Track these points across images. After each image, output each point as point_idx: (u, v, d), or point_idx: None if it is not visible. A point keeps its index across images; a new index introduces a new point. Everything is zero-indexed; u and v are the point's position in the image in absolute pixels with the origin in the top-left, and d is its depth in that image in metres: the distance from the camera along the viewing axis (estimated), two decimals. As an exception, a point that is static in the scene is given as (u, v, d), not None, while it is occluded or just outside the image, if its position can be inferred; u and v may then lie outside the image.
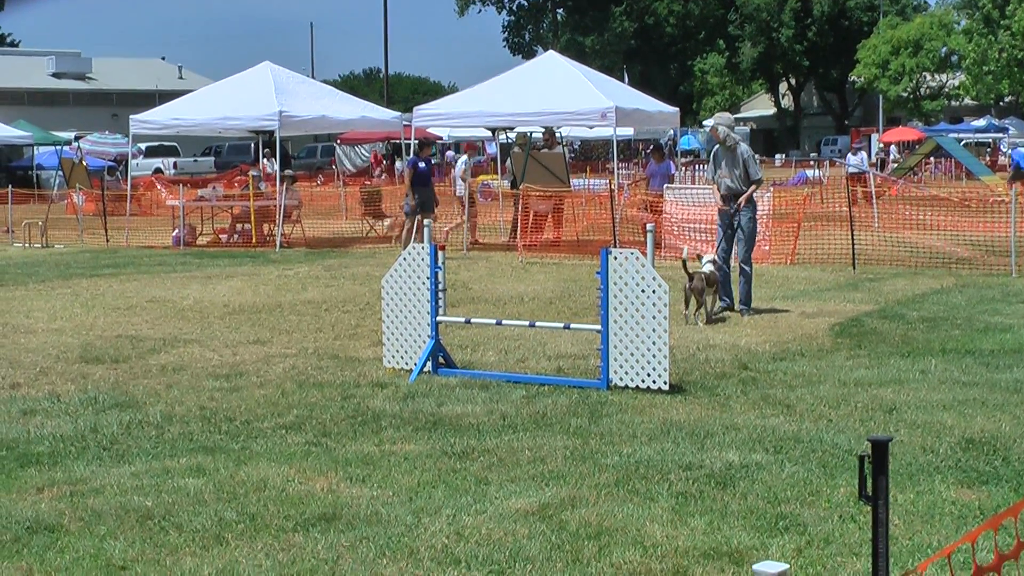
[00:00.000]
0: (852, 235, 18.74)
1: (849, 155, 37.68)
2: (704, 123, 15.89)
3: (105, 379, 10.73)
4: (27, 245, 26.39)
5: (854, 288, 16.23)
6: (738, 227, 14.20)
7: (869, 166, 37.51)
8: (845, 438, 8.13)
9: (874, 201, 25.58)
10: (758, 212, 15.16)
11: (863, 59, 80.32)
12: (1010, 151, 46.81)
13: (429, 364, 10.62)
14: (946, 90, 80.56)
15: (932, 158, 45.95)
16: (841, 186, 31.18)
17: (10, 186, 32.04)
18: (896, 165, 44.74)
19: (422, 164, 22.01)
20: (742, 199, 14.05)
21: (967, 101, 77.02)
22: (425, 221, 15.97)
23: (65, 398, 9.92)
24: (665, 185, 22.45)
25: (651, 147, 27.93)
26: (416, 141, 23.87)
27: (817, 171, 44.78)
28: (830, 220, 22.61)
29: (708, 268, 13.53)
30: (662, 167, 23.98)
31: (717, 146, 14.46)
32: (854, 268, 18.26)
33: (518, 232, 22.44)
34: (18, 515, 6.77)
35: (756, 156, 14.69)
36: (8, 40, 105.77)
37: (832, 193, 29.81)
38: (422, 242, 11.97)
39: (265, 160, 42.97)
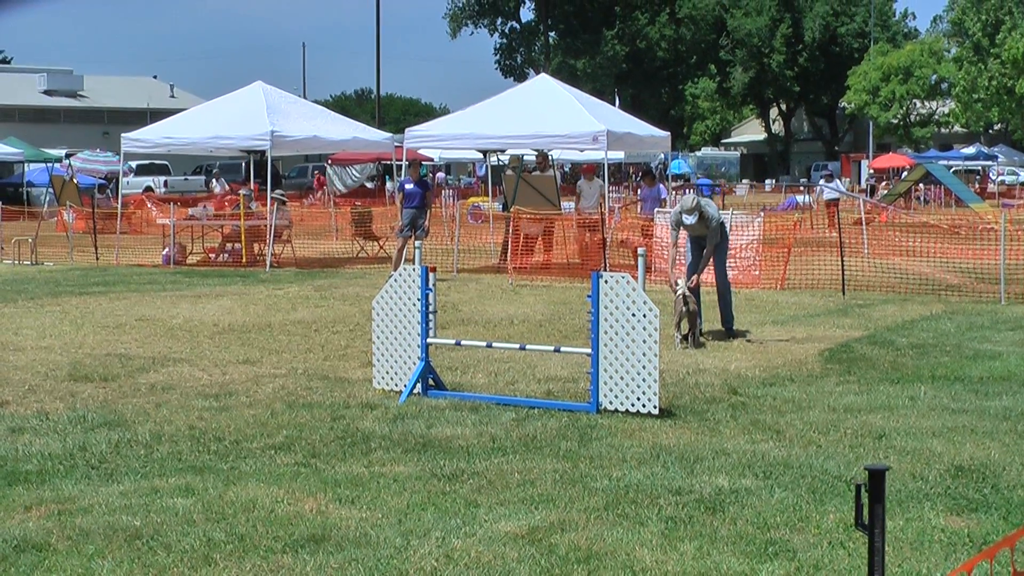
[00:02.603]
0: (842, 261, 18.77)
1: (822, 181, 38.27)
2: (685, 206, 16.00)
3: (94, 397, 10.70)
4: (17, 262, 26.33)
5: (844, 314, 16.26)
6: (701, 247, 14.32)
7: (859, 192, 37.88)
8: (835, 464, 8.13)
9: (864, 227, 25.64)
10: (750, 237, 15.13)
11: (853, 85, 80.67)
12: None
13: (419, 386, 10.61)
14: (936, 117, 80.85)
15: (921, 185, 46.09)
16: (831, 212, 31.38)
17: (0, 203, 31.98)
18: (886, 192, 44.93)
19: (409, 185, 21.97)
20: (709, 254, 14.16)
21: (957, 128, 77.34)
22: (416, 243, 15.95)
23: (54, 416, 9.89)
24: (656, 209, 22.50)
25: (641, 172, 27.94)
26: (406, 162, 23.86)
27: (807, 196, 44.92)
28: (820, 245, 22.66)
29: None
30: (653, 191, 24.06)
31: (682, 215, 14.14)
32: (844, 294, 18.29)
33: (508, 254, 22.45)
34: (5, 534, 6.74)
35: (722, 218, 14.67)
36: None
37: (822, 219, 29.91)
38: (412, 263, 11.96)
39: (215, 181, 42.89)
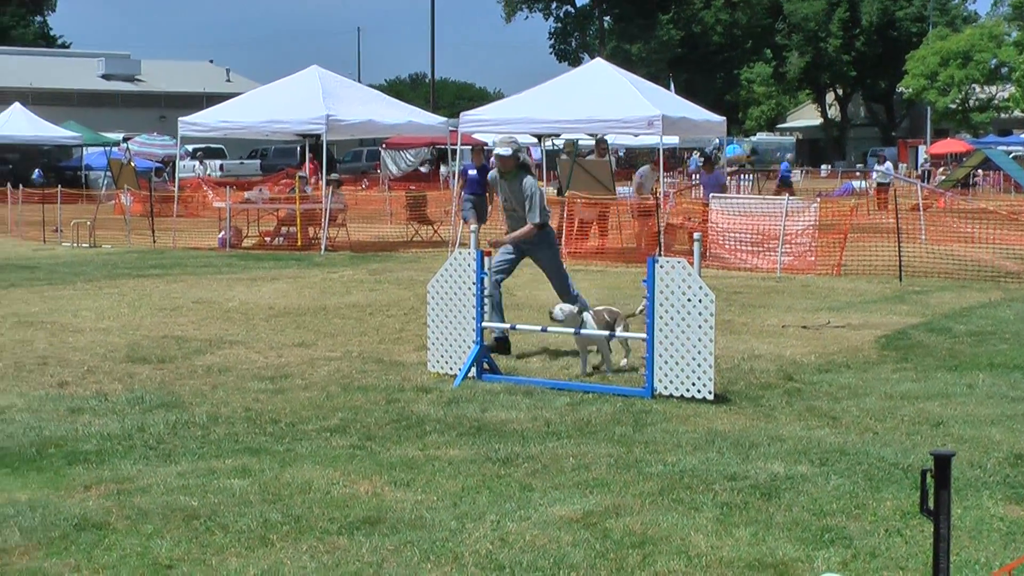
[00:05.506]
0: (899, 247, 18.61)
1: (876, 165, 38.26)
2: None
3: (151, 379, 10.80)
4: (75, 245, 26.63)
5: (900, 300, 16.12)
6: (540, 266, 12.40)
7: (916, 178, 37.72)
8: (891, 451, 8.07)
9: (921, 213, 25.42)
10: (805, 222, 14.90)
11: (911, 70, 79.76)
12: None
13: (473, 369, 10.63)
14: (995, 102, 79.82)
15: (980, 171, 45.60)
16: (888, 197, 31.11)
17: (59, 186, 32.31)
18: (944, 177, 44.57)
19: (472, 171, 21.99)
20: (509, 238, 12.21)
21: (1016, 113, 76.35)
22: (472, 227, 15.96)
23: (112, 397, 10.00)
24: (712, 195, 22.40)
25: (701, 159, 27.66)
26: (470, 147, 23.82)
27: (863, 182, 44.59)
28: (877, 231, 22.48)
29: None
30: (712, 177, 23.93)
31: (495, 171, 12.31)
32: (900, 280, 18.14)
33: (563, 239, 22.43)
34: (66, 512, 6.83)
35: (543, 193, 12.04)
36: (59, 42, 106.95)
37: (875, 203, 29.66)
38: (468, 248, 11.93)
39: (197, 164, 43.01)
